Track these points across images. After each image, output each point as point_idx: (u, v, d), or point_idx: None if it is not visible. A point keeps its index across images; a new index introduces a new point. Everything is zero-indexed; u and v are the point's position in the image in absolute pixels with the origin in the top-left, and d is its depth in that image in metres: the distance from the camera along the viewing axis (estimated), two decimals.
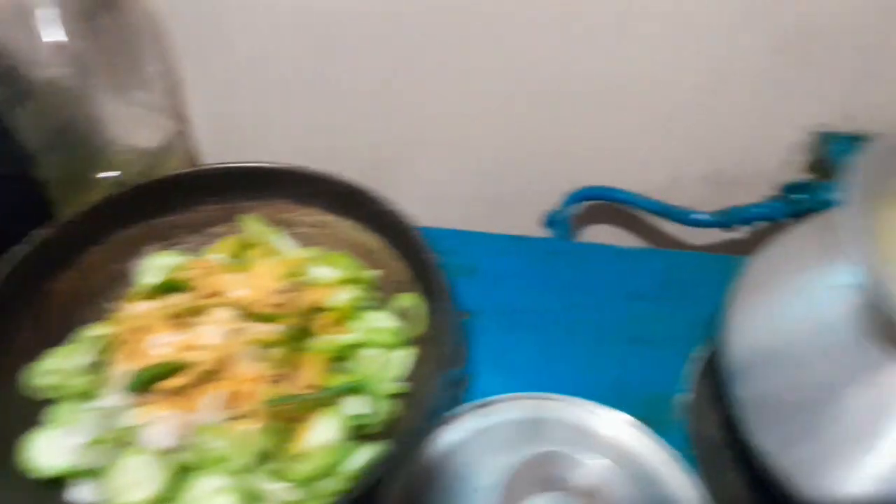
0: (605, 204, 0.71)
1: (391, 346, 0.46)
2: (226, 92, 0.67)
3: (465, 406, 0.48)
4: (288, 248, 0.51)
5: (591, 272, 0.57)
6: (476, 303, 0.55)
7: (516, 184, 0.71)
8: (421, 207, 0.74)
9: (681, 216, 0.67)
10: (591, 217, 0.75)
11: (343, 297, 0.46)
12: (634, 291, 0.56)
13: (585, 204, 0.73)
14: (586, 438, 0.47)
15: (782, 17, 0.56)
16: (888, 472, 0.33)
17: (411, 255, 0.48)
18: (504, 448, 0.45)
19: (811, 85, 0.60)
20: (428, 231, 0.60)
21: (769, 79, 0.60)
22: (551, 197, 0.69)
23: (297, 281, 0.47)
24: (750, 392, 0.39)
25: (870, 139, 0.35)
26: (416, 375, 0.45)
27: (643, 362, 0.52)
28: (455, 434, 0.47)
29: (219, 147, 0.72)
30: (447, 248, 0.59)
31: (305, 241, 0.53)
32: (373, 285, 0.50)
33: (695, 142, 0.65)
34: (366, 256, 0.51)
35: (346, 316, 0.46)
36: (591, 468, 0.43)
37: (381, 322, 0.46)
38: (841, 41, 0.57)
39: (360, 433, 0.43)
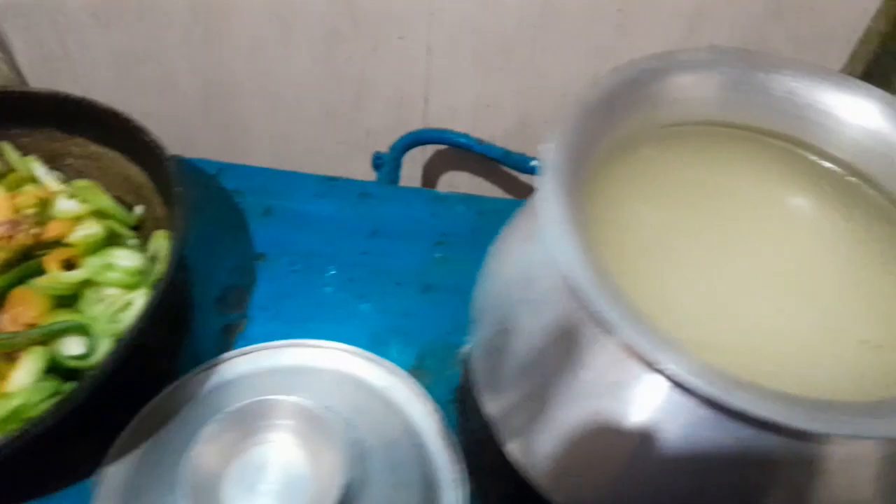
0: (458, 151, 0.68)
1: (129, 287, 0.42)
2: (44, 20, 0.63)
3: (232, 352, 0.45)
4: (47, 178, 0.47)
5: (400, 217, 0.54)
6: (271, 245, 0.52)
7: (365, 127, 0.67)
8: (261, 147, 0.71)
9: (519, 163, 0.64)
10: (446, 164, 0.72)
11: (81, 233, 0.42)
12: (441, 238, 0.53)
13: (435, 149, 0.70)
14: (344, 388, 0.44)
15: None
16: (582, 452, 0.30)
17: (166, 190, 0.44)
18: (255, 395, 0.43)
19: None
20: (231, 167, 0.57)
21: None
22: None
23: (36, 213, 0.43)
24: (479, 354, 0.36)
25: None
26: (147, 317, 0.41)
27: (435, 311, 0.49)
28: (216, 379, 0.45)
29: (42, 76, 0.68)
30: (250, 186, 0.56)
31: (75, 173, 0.49)
32: (128, 222, 0.46)
33: (538, 84, 0.62)
34: (134, 191, 0.48)
35: (83, 252, 0.42)
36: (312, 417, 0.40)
37: (122, 261, 0.42)
38: None
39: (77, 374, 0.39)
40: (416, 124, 0.67)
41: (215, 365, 0.45)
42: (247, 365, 0.45)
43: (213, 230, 0.53)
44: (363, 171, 0.68)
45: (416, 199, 0.55)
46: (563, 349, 0.30)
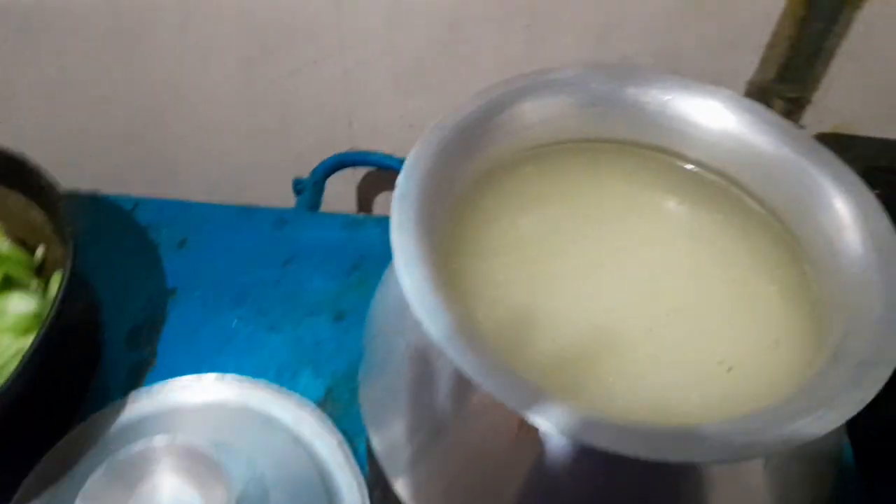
0: (389, 172, 0.68)
1: (25, 332, 0.41)
2: None
3: (139, 390, 0.45)
4: None
5: (316, 243, 0.53)
6: (184, 278, 0.51)
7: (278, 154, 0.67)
8: (184, 179, 0.71)
9: None
10: (378, 185, 0.72)
11: None
12: (357, 263, 0.52)
13: (365, 171, 0.70)
14: (250, 423, 0.43)
15: None
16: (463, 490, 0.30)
17: (63, 230, 0.44)
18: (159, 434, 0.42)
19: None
20: (148, 201, 0.56)
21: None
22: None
23: None
24: (365, 387, 0.35)
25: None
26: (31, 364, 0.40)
27: (348, 338, 0.48)
28: (122, 419, 0.44)
29: None
30: (166, 219, 0.55)
31: None
32: (29, 265, 0.45)
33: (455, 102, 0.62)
34: (36, 233, 0.47)
35: None
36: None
37: (15, 306, 0.42)
38: None
39: None
40: (343, 146, 0.66)
41: (122, 405, 0.44)
42: (153, 403, 0.44)
43: (126, 266, 0.52)
44: (290, 198, 0.67)
45: (333, 224, 0.55)
46: (436, 383, 0.29)
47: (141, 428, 0.43)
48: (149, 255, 0.53)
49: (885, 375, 0.24)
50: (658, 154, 0.34)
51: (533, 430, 0.25)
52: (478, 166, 0.32)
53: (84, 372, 0.46)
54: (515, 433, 0.26)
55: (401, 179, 0.29)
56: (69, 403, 0.45)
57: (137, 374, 0.46)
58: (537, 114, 0.33)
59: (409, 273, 0.26)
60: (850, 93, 0.58)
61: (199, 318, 0.49)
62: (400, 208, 0.28)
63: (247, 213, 0.55)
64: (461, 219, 0.32)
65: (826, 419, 0.23)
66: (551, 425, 0.22)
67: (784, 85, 0.58)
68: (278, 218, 0.55)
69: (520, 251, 0.33)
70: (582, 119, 0.34)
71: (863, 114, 0.59)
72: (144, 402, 0.44)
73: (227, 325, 0.49)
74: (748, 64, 0.57)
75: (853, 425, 0.40)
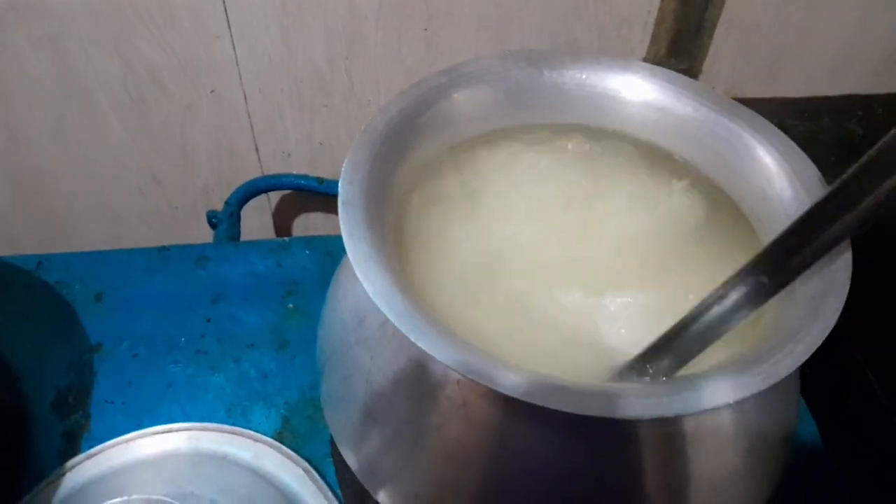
0: (305, 193, 0.66)
1: None
2: None
3: (77, 458, 0.41)
4: None
5: (244, 274, 0.51)
6: (107, 333, 0.48)
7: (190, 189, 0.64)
8: (88, 231, 0.66)
9: None
10: (296, 208, 0.70)
11: None
12: (290, 288, 0.51)
13: (280, 195, 0.68)
14: (207, 469, 0.41)
15: None
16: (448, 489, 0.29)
17: None
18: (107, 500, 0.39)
19: None
20: (52, 258, 0.52)
21: None
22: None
23: None
24: (330, 405, 0.34)
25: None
26: None
27: (295, 366, 0.47)
28: (63, 492, 0.41)
29: None
30: (76, 275, 0.52)
31: None
32: None
33: (365, 113, 0.61)
34: None
35: None
36: None
37: None
38: None
39: None
40: (253, 173, 0.64)
41: (60, 476, 0.41)
42: (95, 468, 0.41)
43: (41, 330, 0.48)
44: (208, 233, 0.65)
45: (257, 252, 0.53)
46: (406, 386, 0.29)
47: (88, 496, 0.40)
48: (64, 315, 0.49)
49: (838, 303, 0.25)
50: (585, 132, 0.35)
51: (520, 417, 0.25)
52: (412, 164, 0.32)
53: (9, 452, 0.42)
54: (501, 419, 0.26)
55: (342, 186, 0.28)
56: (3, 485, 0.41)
57: (71, 442, 0.43)
58: (464, 106, 0.33)
59: (369, 279, 0.25)
60: (734, 59, 0.61)
61: (131, 372, 0.46)
62: (347, 215, 0.27)
63: (164, 255, 0.52)
64: (405, 218, 0.31)
65: (796, 353, 0.23)
66: (541, 403, 0.22)
67: (675, 58, 0.60)
68: (198, 255, 0.53)
69: (467, 244, 0.32)
70: (507, 106, 0.34)
71: (747, 77, 0.63)
72: (86, 469, 0.41)
73: (163, 372, 0.46)
74: (640, 42, 0.60)
75: (817, 402, 0.42)
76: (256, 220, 0.67)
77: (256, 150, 0.63)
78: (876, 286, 0.46)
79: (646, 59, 0.61)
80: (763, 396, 0.23)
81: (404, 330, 0.24)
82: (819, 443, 0.43)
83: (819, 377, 0.38)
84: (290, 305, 0.49)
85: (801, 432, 0.42)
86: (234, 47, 0.55)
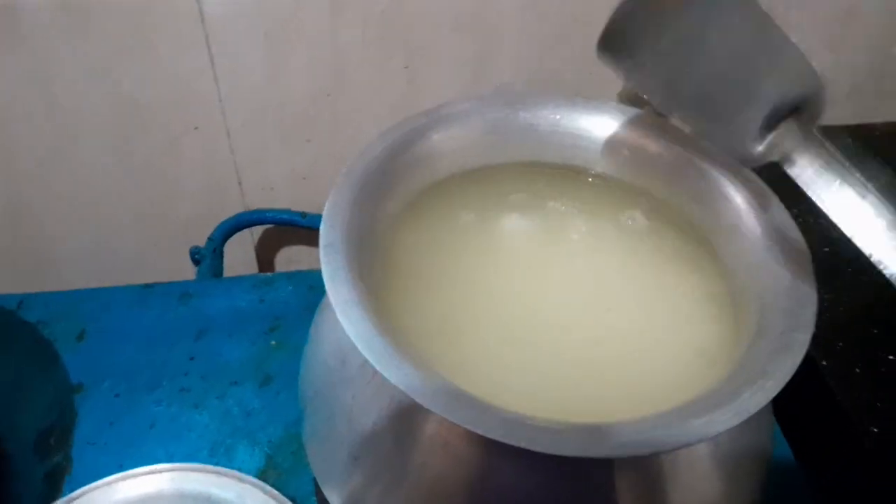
0: (288, 227, 0.67)
1: None
2: None
3: (59, 501, 0.41)
4: None
5: (227, 310, 0.51)
6: (89, 372, 0.48)
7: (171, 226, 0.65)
8: (72, 268, 0.66)
9: None
10: (279, 242, 0.70)
11: None
12: (274, 323, 0.51)
13: (263, 230, 0.68)
14: None
15: None
16: None
17: None
18: None
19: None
20: (34, 297, 0.52)
21: None
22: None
23: None
24: (312, 444, 0.34)
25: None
26: None
27: (279, 402, 0.47)
28: None
29: None
30: (58, 313, 0.51)
31: None
32: None
33: (348, 148, 0.62)
34: None
35: None
36: None
37: None
38: None
39: None
40: (236, 208, 0.65)
41: None
42: None
43: (21, 370, 0.48)
44: (192, 269, 0.65)
45: (240, 287, 0.53)
46: (387, 426, 0.29)
47: None
48: (45, 354, 0.49)
49: (806, 338, 0.26)
50: (560, 171, 0.36)
51: (501, 456, 0.26)
52: (393, 205, 0.32)
53: None
54: (482, 458, 0.26)
55: (323, 229, 0.28)
56: None
57: (53, 484, 0.43)
58: (442, 147, 0.34)
59: (350, 321, 0.25)
60: None
61: (113, 411, 0.46)
62: (328, 258, 0.27)
63: (146, 293, 0.52)
64: (388, 259, 0.32)
65: (767, 388, 0.24)
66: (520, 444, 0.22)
67: None
68: (181, 292, 0.53)
69: (449, 281, 0.33)
70: (483, 147, 0.35)
71: None
72: None
73: (146, 411, 0.46)
74: (615, 77, 0.61)
75: (789, 422, 0.43)
76: (240, 255, 0.67)
77: (240, 184, 0.63)
78: (843, 308, 0.47)
79: (622, 92, 0.63)
80: (737, 428, 0.24)
81: (385, 373, 0.24)
82: (793, 463, 0.44)
83: (790, 398, 0.39)
84: (273, 342, 0.50)
85: (775, 454, 0.43)
86: (217, 83, 0.56)
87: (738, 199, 0.31)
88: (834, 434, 0.43)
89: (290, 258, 0.70)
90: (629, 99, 0.59)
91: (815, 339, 0.26)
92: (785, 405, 0.42)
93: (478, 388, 0.25)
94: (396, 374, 0.24)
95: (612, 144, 0.35)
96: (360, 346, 0.25)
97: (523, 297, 0.33)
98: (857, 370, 0.43)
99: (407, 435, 0.28)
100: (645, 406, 0.24)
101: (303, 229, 0.64)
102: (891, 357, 0.43)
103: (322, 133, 0.60)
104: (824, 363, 0.43)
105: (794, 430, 0.44)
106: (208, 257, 0.58)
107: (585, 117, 0.36)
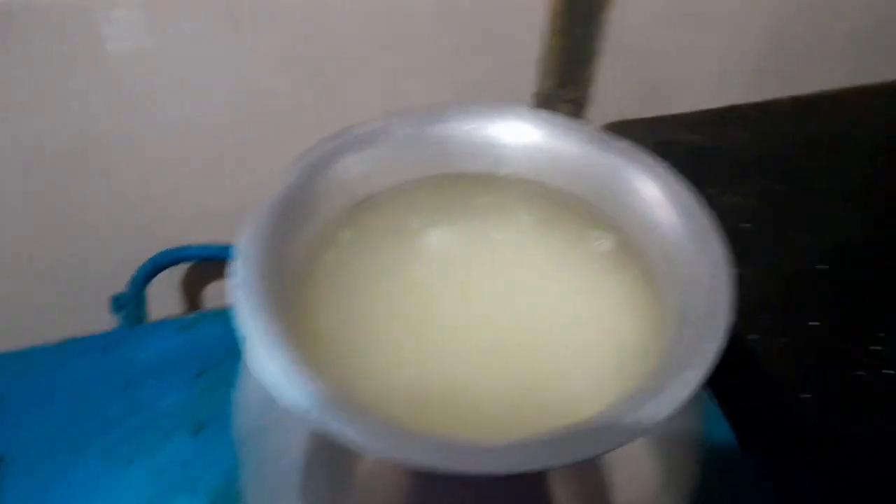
0: (215, 262, 0.64)
1: None
2: None
3: None
4: None
5: (153, 357, 0.49)
6: (9, 442, 0.45)
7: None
8: None
9: None
10: (208, 278, 0.68)
11: None
12: (202, 367, 0.49)
13: (187, 268, 0.66)
14: None
15: None
16: None
17: None
18: None
19: None
20: None
21: None
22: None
23: None
24: (250, 494, 0.33)
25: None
26: None
27: (215, 449, 0.45)
28: None
29: None
30: None
31: None
32: None
33: (263, 178, 0.60)
34: None
35: None
36: None
37: None
38: None
39: None
40: (155, 248, 0.62)
41: None
42: None
43: None
44: (113, 318, 0.62)
45: (165, 331, 0.51)
46: (320, 467, 0.28)
47: None
48: None
49: (727, 324, 0.26)
50: (477, 178, 0.36)
51: (438, 481, 0.25)
52: (310, 234, 0.31)
53: None
54: (421, 486, 0.25)
55: (236, 266, 0.27)
56: None
57: None
58: (356, 169, 0.33)
59: (270, 363, 0.24)
60: (622, 84, 0.64)
61: (38, 483, 0.43)
62: (241, 297, 0.26)
63: (65, 350, 0.50)
64: (306, 290, 0.31)
65: (690, 378, 0.24)
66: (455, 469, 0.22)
67: (565, 89, 0.63)
68: (103, 344, 0.50)
69: (371, 300, 0.32)
70: (398, 164, 0.34)
71: (637, 98, 0.66)
72: None
73: (75, 474, 0.43)
74: (530, 78, 0.62)
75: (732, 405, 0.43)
76: (165, 297, 0.64)
77: (158, 224, 0.61)
78: (766, 282, 0.48)
79: (539, 94, 0.63)
80: (667, 419, 0.24)
81: (308, 414, 0.23)
82: (735, 446, 0.44)
83: (728, 381, 0.39)
84: (204, 385, 0.48)
85: (719, 438, 0.44)
86: (126, 122, 0.53)
87: (651, 191, 0.31)
88: (772, 408, 0.44)
89: (216, 294, 0.68)
90: (544, 100, 0.60)
91: (742, 317, 0.26)
92: (724, 389, 0.43)
93: (403, 408, 0.25)
94: (325, 415, 0.23)
95: (524, 148, 0.35)
96: (277, 389, 0.24)
97: (447, 304, 0.33)
98: (784, 340, 0.44)
99: (342, 474, 0.27)
100: (571, 408, 0.23)
101: (227, 262, 0.62)
102: (811, 323, 0.44)
103: (240, 165, 0.58)
104: (751, 338, 0.44)
105: (737, 411, 0.45)
106: (130, 304, 0.55)
107: (496, 124, 0.35)
